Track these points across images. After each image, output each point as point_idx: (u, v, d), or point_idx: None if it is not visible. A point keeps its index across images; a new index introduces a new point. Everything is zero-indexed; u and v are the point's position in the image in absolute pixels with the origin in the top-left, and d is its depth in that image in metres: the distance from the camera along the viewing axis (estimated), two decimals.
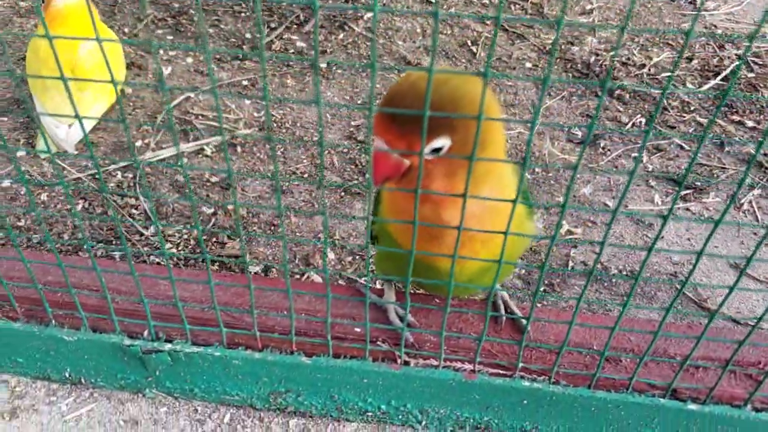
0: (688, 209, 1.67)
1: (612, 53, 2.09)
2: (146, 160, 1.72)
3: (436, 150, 0.78)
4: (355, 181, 1.71)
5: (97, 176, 1.69)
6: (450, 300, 0.88)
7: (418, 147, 0.74)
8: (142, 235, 1.55)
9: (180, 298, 1.07)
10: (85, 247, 1.52)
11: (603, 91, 0.65)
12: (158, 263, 1.51)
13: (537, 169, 1.73)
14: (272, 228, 1.60)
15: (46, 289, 1.06)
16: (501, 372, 1.02)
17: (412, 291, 1.00)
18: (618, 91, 1.95)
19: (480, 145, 0.71)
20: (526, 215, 0.95)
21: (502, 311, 1.06)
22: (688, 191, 1.70)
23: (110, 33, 1.87)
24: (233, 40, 2.15)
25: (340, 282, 1.48)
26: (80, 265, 1.09)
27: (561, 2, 2.32)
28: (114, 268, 1.13)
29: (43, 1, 1.78)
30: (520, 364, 1.00)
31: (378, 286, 1.18)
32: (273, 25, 2.20)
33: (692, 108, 1.91)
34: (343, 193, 1.68)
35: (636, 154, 1.78)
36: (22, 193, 1.65)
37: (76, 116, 0.79)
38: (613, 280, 1.50)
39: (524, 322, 1.05)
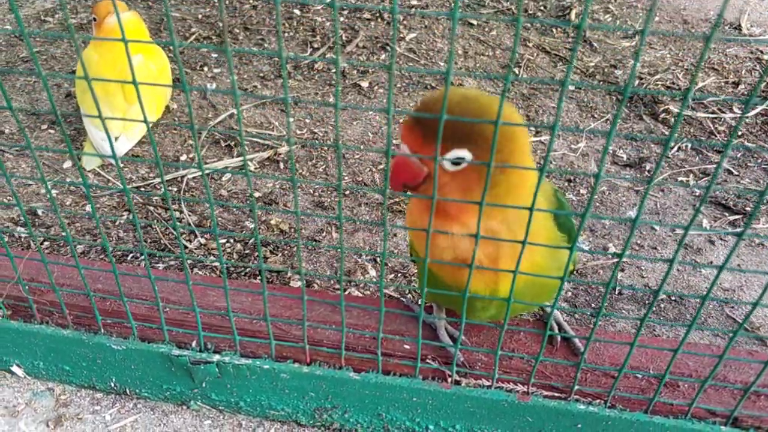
0: (737, 234, 1.63)
1: (656, 77, 2.07)
2: (200, 171, 1.73)
3: (457, 163, 0.78)
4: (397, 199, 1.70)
5: (141, 188, 1.71)
6: (506, 320, 0.86)
7: (443, 153, 0.77)
8: (185, 248, 1.56)
9: (225, 309, 1.07)
10: (141, 256, 1.54)
11: (622, 101, 0.63)
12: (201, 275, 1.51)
13: (582, 191, 1.71)
14: (314, 243, 1.59)
15: (96, 296, 1.06)
16: (555, 394, 0.99)
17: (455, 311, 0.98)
18: (663, 115, 1.92)
19: (501, 162, 0.74)
20: (561, 239, 0.93)
21: (557, 331, 1.04)
22: (737, 216, 1.66)
23: (159, 50, 1.90)
24: (276, 59, 2.18)
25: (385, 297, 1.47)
26: (133, 273, 1.10)
27: (602, 26, 2.32)
28: (164, 278, 1.13)
29: (95, 19, 1.82)
30: (576, 387, 0.97)
31: (426, 302, 1.17)
32: (316, 45, 2.23)
33: (740, 133, 1.88)
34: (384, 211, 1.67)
35: (682, 178, 1.75)
36: (67, 203, 1.67)
37: (145, 122, 0.80)
38: (662, 305, 1.46)
39: (577, 342, 1.02)
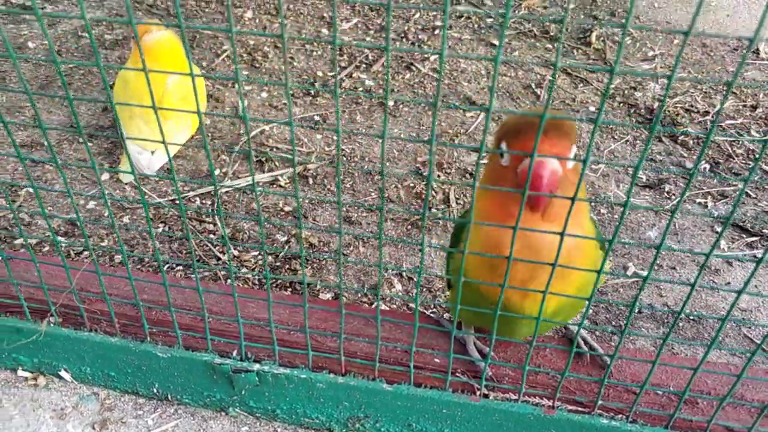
0: (755, 256, 1.67)
1: (675, 99, 2.11)
2: (224, 186, 1.80)
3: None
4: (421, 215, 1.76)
5: (177, 201, 1.78)
6: (535, 337, 0.91)
7: (568, 153, 0.83)
8: (219, 259, 1.63)
9: (265, 320, 1.13)
10: (176, 266, 1.60)
11: (652, 131, 0.68)
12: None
13: (602, 210, 1.75)
14: (343, 257, 1.65)
15: (144, 306, 1.12)
16: (579, 409, 1.04)
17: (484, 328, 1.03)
18: (682, 137, 1.97)
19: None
20: (600, 257, 0.97)
21: (584, 347, 1.09)
22: (754, 238, 1.70)
23: (195, 67, 1.97)
24: (305, 77, 2.25)
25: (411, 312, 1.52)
26: (177, 285, 1.16)
27: (624, 49, 2.37)
28: (207, 288, 1.19)
29: (134, 37, 1.89)
30: (600, 402, 1.02)
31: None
32: (343, 64, 2.29)
33: (757, 155, 1.92)
34: (410, 226, 1.73)
35: (700, 200, 1.80)
36: (105, 214, 1.74)
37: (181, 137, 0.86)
38: (680, 324, 1.50)
39: (606, 359, 1.07)
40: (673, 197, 1.80)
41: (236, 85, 2.19)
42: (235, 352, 1.13)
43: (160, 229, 1.70)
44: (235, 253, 1.64)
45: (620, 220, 0.78)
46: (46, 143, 1.96)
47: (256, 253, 1.64)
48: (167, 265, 1.60)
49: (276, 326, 1.12)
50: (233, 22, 2.22)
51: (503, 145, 0.87)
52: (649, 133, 0.54)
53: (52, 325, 1.17)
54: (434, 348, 1.12)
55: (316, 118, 2.08)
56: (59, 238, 1.68)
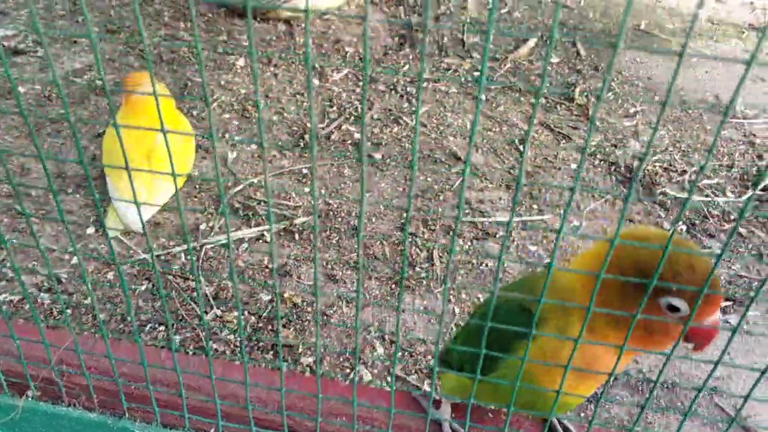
0: (727, 321, 1.70)
1: (654, 157, 2.16)
2: (208, 243, 1.82)
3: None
4: (406, 274, 1.78)
5: (161, 257, 1.80)
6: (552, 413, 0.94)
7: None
8: (201, 318, 1.64)
9: (243, 398, 1.15)
10: (159, 326, 1.62)
11: (628, 193, 0.72)
12: (215, 349, 1.59)
13: None
14: (325, 317, 1.67)
15: (123, 382, 1.14)
16: None
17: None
18: (660, 197, 2.02)
19: None
20: None
21: (559, 429, 1.11)
22: (727, 303, 1.74)
23: (184, 120, 2.01)
24: (295, 128, 2.28)
25: (387, 378, 1.54)
26: (158, 363, 1.18)
27: (604, 104, 2.42)
28: (186, 363, 1.21)
29: (126, 91, 1.93)
30: None
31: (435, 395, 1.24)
32: (333, 116, 2.33)
33: (732, 217, 1.96)
34: (393, 285, 1.75)
35: None
36: (90, 270, 1.76)
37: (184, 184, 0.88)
38: (654, 393, 1.53)
39: None
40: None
41: (225, 137, 2.22)
42: (212, 431, 1.14)
43: (143, 287, 1.72)
44: (218, 312, 1.66)
45: (593, 291, 0.80)
46: (34, 192, 1.98)
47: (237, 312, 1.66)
48: (149, 325, 1.62)
49: (253, 406, 1.13)
50: (225, 71, 2.24)
51: (680, 303, 0.80)
52: (623, 201, 0.56)
53: (30, 399, 1.19)
54: (411, 429, 1.14)
55: (304, 171, 2.11)
56: (43, 294, 1.69)
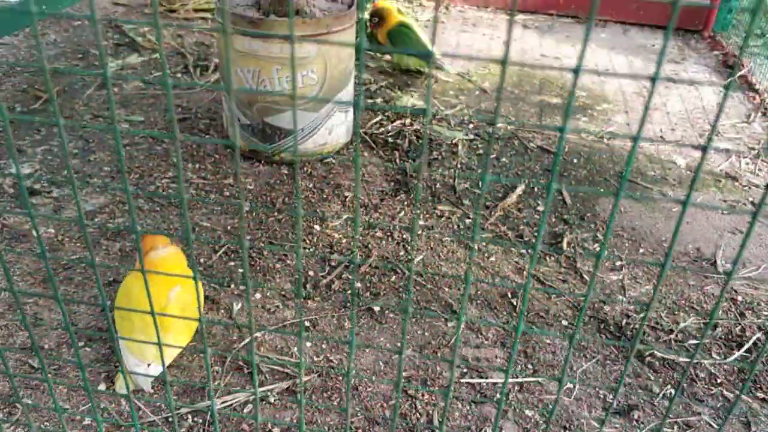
0: None
1: (641, 315, 2.27)
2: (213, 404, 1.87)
3: None
4: None
5: (170, 418, 1.84)
6: None
7: None
8: None
9: None
10: None
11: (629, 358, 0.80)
12: None
13: None
14: None
15: None
16: None
17: None
18: (648, 358, 2.11)
19: None
20: None
21: None
22: None
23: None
24: (296, 276, 2.38)
25: None
26: None
27: (593, 258, 2.56)
28: None
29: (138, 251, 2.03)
30: None
31: None
32: (333, 264, 2.44)
33: (719, 380, 2.06)
34: None
35: (668, 429, 1.91)
36: None
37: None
38: None
39: None
40: (642, 425, 1.91)
41: (231, 287, 2.31)
42: None
43: None
44: None
45: None
46: (47, 345, 2.03)
47: None
48: None
49: None
50: (231, 215, 2.34)
51: None
52: (624, 366, 0.63)
53: None
54: None
55: (306, 323, 2.19)
56: None
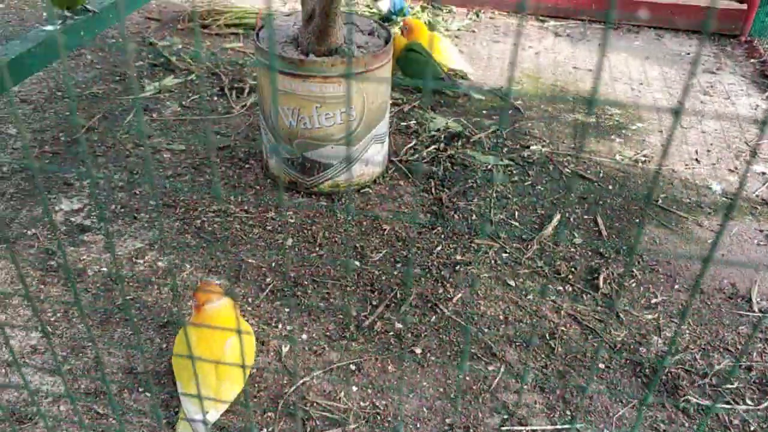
0: None
1: (676, 357, 2.33)
2: None
3: None
4: None
5: None
6: None
7: None
8: None
9: None
10: None
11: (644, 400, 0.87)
12: None
13: None
14: None
15: None
16: None
17: None
18: (683, 404, 2.17)
19: None
20: None
21: None
22: None
23: (247, 326, 2.20)
24: (340, 315, 2.47)
25: None
26: None
27: (628, 293, 2.61)
28: None
29: (194, 302, 2.13)
30: None
31: None
32: (374, 303, 2.53)
33: (752, 428, 2.11)
34: None
35: None
36: None
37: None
38: None
39: None
40: None
41: (278, 327, 2.41)
42: None
43: None
44: None
45: None
46: (107, 392, 2.16)
47: None
48: None
49: None
50: (275, 250, 2.44)
51: None
52: (658, 412, 0.68)
53: None
54: None
55: (352, 367, 2.29)
56: None
